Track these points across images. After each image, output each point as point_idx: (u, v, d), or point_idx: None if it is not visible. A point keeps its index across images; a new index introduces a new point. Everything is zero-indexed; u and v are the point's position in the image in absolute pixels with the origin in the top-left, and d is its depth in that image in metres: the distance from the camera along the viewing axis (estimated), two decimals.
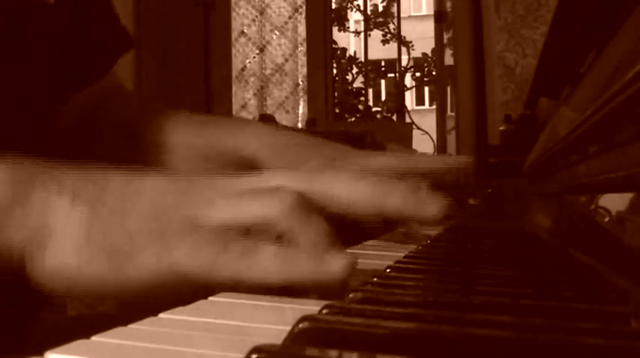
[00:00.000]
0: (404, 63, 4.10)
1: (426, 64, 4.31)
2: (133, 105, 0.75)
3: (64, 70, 0.61)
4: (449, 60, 2.88)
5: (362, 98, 4.03)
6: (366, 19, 4.10)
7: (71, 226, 0.33)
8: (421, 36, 4.36)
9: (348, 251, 0.53)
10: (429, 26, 3.07)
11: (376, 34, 4.28)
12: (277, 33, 3.16)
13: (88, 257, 0.33)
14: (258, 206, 0.33)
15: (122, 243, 0.32)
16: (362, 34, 4.07)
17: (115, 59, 0.71)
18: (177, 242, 0.32)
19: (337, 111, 3.69)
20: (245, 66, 3.14)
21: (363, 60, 4.11)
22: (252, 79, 3.15)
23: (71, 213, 0.33)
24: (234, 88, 3.06)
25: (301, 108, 3.15)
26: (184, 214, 0.33)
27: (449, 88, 2.99)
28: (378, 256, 0.50)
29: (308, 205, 0.34)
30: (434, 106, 3.55)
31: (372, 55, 4.17)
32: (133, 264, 0.32)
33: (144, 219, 0.33)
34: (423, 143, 3.32)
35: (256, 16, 3.15)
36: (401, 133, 2.94)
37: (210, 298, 0.32)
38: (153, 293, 0.33)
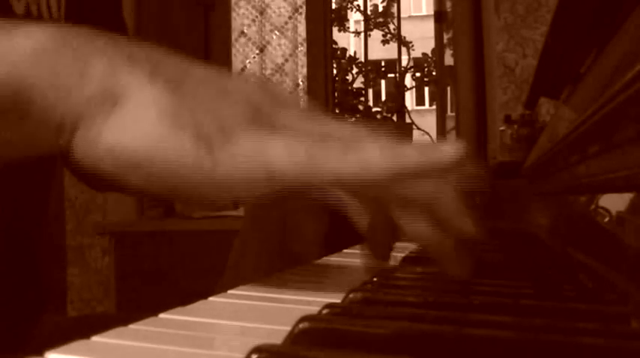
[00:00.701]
0: (404, 63, 4.11)
1: (426, 64, 4.31)
2: None
3: None
4: (449, 60, 2.88)
5: (362, 98, 4.03)
6: (366, 20, 4.11)
7: (150, 96, 0.27)
8: (421, 36, 4.36)
9: (348, 251, 0.53)
10: (429, 26, 3.07)
11: (376, 34, 4.28)
12: (277, 33, 3.16)
13: (171, 129, 0.27)
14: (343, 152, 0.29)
15: (214, 126, 0.27)
16: (362, 34, 4.07)
17: None
18: (275, 136, 0.28)
19: (337, 111, 3.69)
20: (245, 66, 3.14)
21: (363, 60, 4.11)
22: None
23: (149, 83, 0.28)
24: None
25: None
26: (281, 108, 0.29)
27: (449, 88, 2.99)
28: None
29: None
30: (434, 106, 3.55)
31: (372, 55, 4.17)
32: (225, 153, 0.27)
33: (239, 104, 0.28)
34: None
35: (256, 16, 3.15)
36: (401, 133, 2.94)
37: (210, 298, 0.32)
38: (236, 191, 0.28)
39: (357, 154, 0.28)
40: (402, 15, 4.10)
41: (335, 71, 3.70)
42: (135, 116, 0.27)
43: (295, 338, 0.23)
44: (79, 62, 0.28)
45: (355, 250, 0.53)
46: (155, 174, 0.27)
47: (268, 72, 3.16)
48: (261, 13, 3.16)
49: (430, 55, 4.05)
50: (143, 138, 0.27)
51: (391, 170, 0.28)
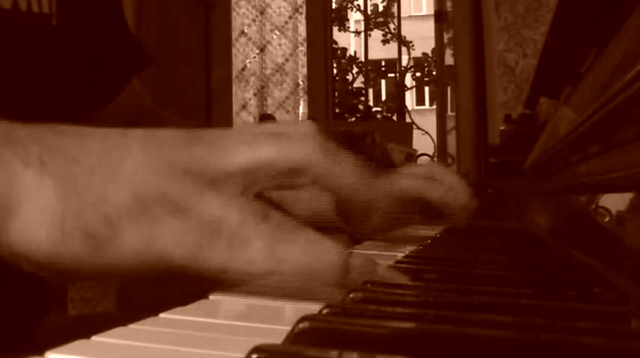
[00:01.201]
0: (404, 63, 4.10)
1: (426, 64, 4.31)
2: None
3: (76, 89, 0.60)
4: (449, 60, 2.88)
5: (362, 98, 4.03)
6: (367, 19, 4.10)
7: (41, 197, 0.28)
8: (421, 36, 4.36)
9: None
10: (429, 26, 3.07)
11: (376, 34, 4.27)
12: (277, 33, 3.16)
13: (61, 235, 0.28)
14: (285, 146, 0.30)
15: (101, 223, 0.28)
16: (362, 34, 4.06)
17: (129, 77, 0.70)
18: (164, 224, 0.28)
19: (337, 111, 3.69)
20: (245, 66, 3.14)
21: (363, 60, 4.10)
22: (252, 79, 3.15)
23: (41, 181, 0.28)
24: (234, 88, 3.06)
25: (301, 108, 3.15)
26: (182, 169, 0.29)
27: (449, 88, 2.99)
28: (378, 256, 0.50)
29: (337, 147, 0.31)
30: (434, 106, 3.55)
31: (373, 55, 4.16)
32: (114, 247, 0.28)
33: (128, 185, 0.28)
34: (423, 143, 3.32)
35: (256, 16, 3.15)
36: (401, 133, 2.94)
37: (210, 298, 0.32)
38: (136, 277, 0.30)
39: (242, 251, 0.29)
40: (402, 15, 4.10)
41: (335, 71, 3.70)
42: (30, 226, 0.28)
43: (295, 338, 0.23)
44: None
45: (354, 250, 0.53)
46: (60, 272, 0.29)
47: (268, 72, 3.16)
48: (262, 13, 3.16)
49: (430, 54, 4.05)
50: (39, 246, 0.28)
51: (270, 271, 0.29)
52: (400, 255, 0.51)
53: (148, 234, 0.28)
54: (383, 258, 0.49)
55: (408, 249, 0.55)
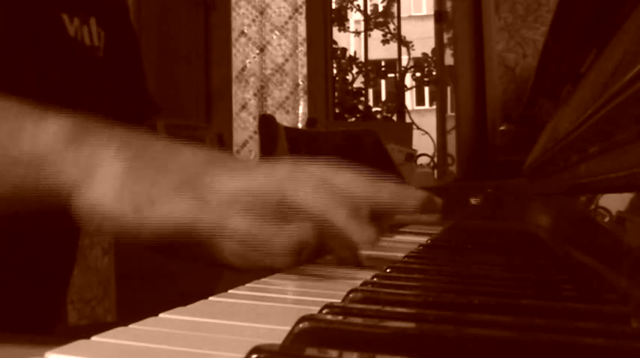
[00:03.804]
0: (404, 63, 4.10)
1: (426, 64, 4.31)
2: None
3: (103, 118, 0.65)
4: (449, 60, 2.88)
5: (362, 98, 4.03)
6: (366, 19, 4.10)
7: (112, 171, 0.41)
8: (421, 36, 4.36)
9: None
10: (429, 26, 3.07)
11: (376, 34, 4.27)
12: (277, 33, 3.16)
13: (119, 197, 0.41)
14: (272, 179, 0.41)
15: (149, 192, 0.41)
16: (362, 34, 4.06)
17: (143, 120, 0.75)
18: (190, 200, 0.40)
19: (337, 111, 3.69)
20: (245, 66, 3.13)
21: (363, 60, 4.10)
22: (252, 79, 3.15)
23: (114, 160, 0.42)
24: (234, 88, 3.06)
25: (301, 109, 3.15)
26: (205, 179, 0.41)
27: (449, 88, 2.99)
28: (377, 256, 0.50)
29: (331, 186, 0.41)
30: (434, 106, 3.55)
31: (372, 55, 4.16)
32: (153, 210, 0.40)
33: (172, 177, 0.41)
34: (423, 143, 3.32)
35: (256, 16, 3.15)
36: (401, 133, 2.93)
37: (210, 298, 0.32)
38: (163, 238, 0.41)
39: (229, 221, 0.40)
40: (402, 15, 4.10)
41: (335, 71, 3.70)
42: (99, 187, 0.41)
43: (295, 338, 0.23)
44: (77, 143, 0.42)
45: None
46: (113, 225, 0.41)
47: (268, 72, 3.16)
48: (262, 13, 3.16)
49: (430, 54, 4.05)
50: (103, 202, 0.41)
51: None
52: (400, 255, 0.51)
53: (178, 204, 0.40)
54: (383, 259, 0.49)
55: (408, 249, 0.55)
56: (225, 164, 0.43)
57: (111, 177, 0.41)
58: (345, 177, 0.44)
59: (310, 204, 0.40)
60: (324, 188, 0.41)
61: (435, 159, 3.14)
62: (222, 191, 0.41)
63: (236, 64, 3.08)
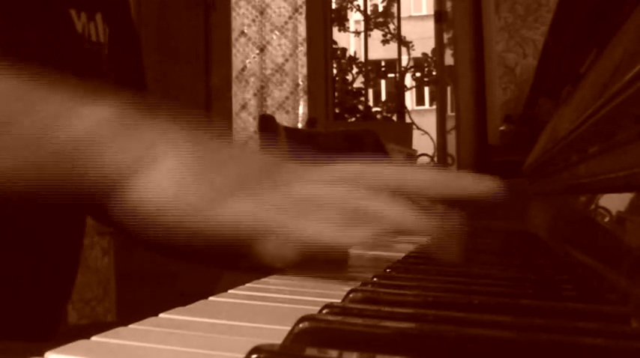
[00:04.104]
0: (404, 63, 4.10)
1: (426, 64, 4.31)
2: None
3: None
4: (449, 60, 2.88)
5: (362, 98, 4.03)
6: (366, 19, 4.10)
7: (177, 157, 0.38)
8: (421, 36, 4.36)
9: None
10: (429, 26, 3.07)
11: (376, 34, 4.27)
12: (277, 33, 3.16)
13: (186, 185, 0.38)
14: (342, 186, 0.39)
15: (209, 191, 0.38)
16: (362, 34, 4.06)
17: None
18: (262, 201, 0.38)
19: (337, 111, 3.69)
20: (245, 66, 3.14)
21: (363, 60, 4.10)
22: (252, 79, 3.15)
23: (179, 146, 0.39)
24: (234, 88, 3.06)
25: (301, 109, 3.15)
26: (274, 182, 0.39)
27: (449, 88, 2.99)
28: (378, 257, 0.50)
29: (387, 191, 0.39)
30: (434, 106, 3.55)
31: (372, 55, 4.16)
32: (222, 205, 0.38)
33: (242, 173, 0.39)
34: (423, 143, 3.32)
35: (256, 16, 3.15)
36: (401, 133, 2.93)
37: (210, 298, 0.32)
38: (228, 238, 0.38)
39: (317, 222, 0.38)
40: (402, 15, 4.09)
41: (335, 71, 3.70)
42: (159, 180, 0.38)
43: (295, 338, 0.23)
44: (131, 127, 0.40)
45: (354, 250, 0.53)
46: (171, 216, 0.38)
47: (268, 72, 3.16)
48: (262, 13, 3.16)
49: (430, 55, 4.05)
50: (164, 189, 0.38)
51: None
52: (400, 255, 0.51)
53: (250, 203, 0.38)
54: (383, 259, 0.49)
55: (408, 249, 0.55)
56: (286, 167, 0.41)
57: (169, 172, 0.38)
58: (415, 175, 0.41)
59: (384, 213, 0.38)
60: (395, 193, 0.39)
61: (435, 159, 3.14)
62: (286, 195, 0.39)
63: (236, 64, 3.08)
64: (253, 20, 3.14)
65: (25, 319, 0.58)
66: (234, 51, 3.06)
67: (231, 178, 0.39)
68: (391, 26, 4.29)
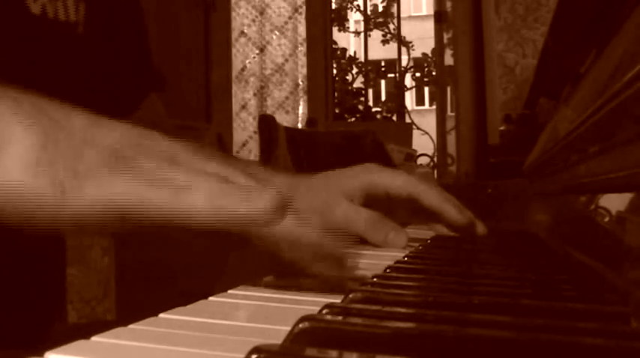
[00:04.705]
0: (404, 63, 4.10)
1: (426, 64, 4.30)
2: None
3: (94, 99, 0.61)
4: (449, 60, 2.88)
5: (362, 98, 4.03)
6: (366, 20, 4.10)
7: (23, 144, 0.33)
8: (421, 36, 4.36)
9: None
10: (429, 26, 3.07)
11: (376, 35, 4.27)
12: (277, 33, 3.16)
13: (32, 176, 0.33)
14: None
15: (69, 173, 0.33)
16: (362, 34, 4.06)
17: (144, 94, 0.71)
18: (117, 177, 0.33)
19: (337, 111, 3.69)
20: (245, 66, 3.13)
21: (363, 60, 4.10)
22: (252, 79, 3.14)
23: (25, 132, 0.34)
24: (234, 88, 3.06)
25: (301, 109, 3.15)
26: (142, 153, 0.34)
27: (449, 88, 2.99)
28: (377, 256, 0.50)
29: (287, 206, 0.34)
30: (434, 106, 3.55)
31: (372, 55, 4.16)
32: (75, 193, 0.33)
33: (98, 152, 0.34)
34: (423, 143, 3.32)
35: (256, 16, 3.15)
36: (401, 133, 2.93)
37: (210, 298, 0.32)
38: (90, 225, 0.34)
39: (186, 193, 0.32)
40: (402, 15, 4.09)
41: (335, 71, 3.70)
42: (8, 163, 0.33)
43: (295, 338, 0.23)
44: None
45: (355, 250, 0.53)
46: (24, 208, 0.34)
47: (268, 72, 3.15)
48: (261, 13, 3.16)
49: (430, 55, 4.05)
50: (9, 180, 0.33)
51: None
52: (400, 255, 0.51)
53: (104, 183, 0.33)
54: (383, 259, 0.49)
55: (408, 249, 0.55)
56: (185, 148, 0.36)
57: (23, 151, 0.33)
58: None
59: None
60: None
61: (435, 159, 3.14)
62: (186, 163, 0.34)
63: (236, 64, 3.08)
64: (253, 20, 3.14)
65: (11, 331, 0.56)
66: (234, 51, 3.06)
67: (99, 153, 0.34)
68: (391, 26, 4.28)
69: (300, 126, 3.08)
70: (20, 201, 0.33)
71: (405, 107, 4.03)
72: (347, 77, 4.07)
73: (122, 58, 0.67)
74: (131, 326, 0.25)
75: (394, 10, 4.17)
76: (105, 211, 0.33)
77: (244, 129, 3.10)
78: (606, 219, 0.40)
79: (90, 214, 0.33)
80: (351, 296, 0.30)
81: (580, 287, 0.35)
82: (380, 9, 4.39)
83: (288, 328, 0.23)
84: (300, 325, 0.23)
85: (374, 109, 4.13)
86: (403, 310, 0.27)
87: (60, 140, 0.34)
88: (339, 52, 4.08)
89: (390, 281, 0.37)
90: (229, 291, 0.34)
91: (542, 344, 0.21)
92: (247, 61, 3.13)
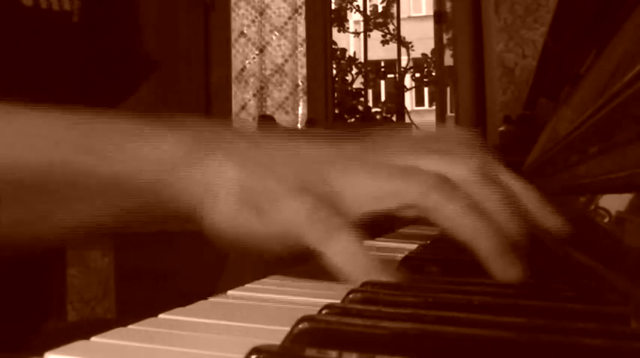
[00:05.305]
0: (403, 63, 4.10)
1: (425, 65, 4.30)
2: None
3: (88, 87, 0.60)
4: (449, 60, 2.88)
5: (361, 99, 4.03)
6: (366, 20, 4.10)
7: (225, 185, 0.37)
8: (421, 36, 4.36)
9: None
10: (429, 27, 3.07)
11: (376, 35, 4.27)
12: (277, 33, 3.16)
13: (237, 210, 0.37)
14: (399, 184, 0.37)
15: (264, 198, 0.36)
16: (362, 35, 4.06)
17: (138, 82, 0.71)
18: (297, 205, 0.36)
19: (337, 112, 3.69)
20: (245, 66, 3.13)
21: (362, 60, 4.10)
22: (251, 80, 3.14)
23: (224, 173, 0.37)
24: (233, 89, 3.06)
25: (301, 109, 3.15)
26: (322, 180, 0.37)
27: (449, 89, 2.99)
28: (378, 257, 0.50)
29: (449, 184, 0.37)
30: (434, 107, 3.55)
31: (372, 56, 4.16)
32: (268, 218, 0.36)
33: (290, 171, 0.37)
34: None
35: (256, 17, 3.15)
36: None
37: (210, 298, 0.32)
38: (280, 245, 0.37)
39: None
40: (402, 15, 4.09)
41: (334, 72, 3.70)
42: (223, 202, 0.37)
43: (295, 338, 0.23)
44: (196, 159, 0.37)
45: None
46: (238, 239, 0.37)
47: (268, 72, 3.15)
48: (261, 14, 3.16)
49: (430, 55, 4.05)
50: (226, 218, 0.37)
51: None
52: (400, 255, 0.51)
53: (289, 209, 0.36)
54: (383, 259, 0.49)
55: (408, 249, 0.55)
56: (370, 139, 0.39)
57: (227, 192, 0.37)
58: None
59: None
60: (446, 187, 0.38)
61: None
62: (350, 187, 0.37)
63: (235, 65, 3.08)
64: (253, 21, 3.14)
65: (10, 331, 0.56)
66: (233, 51, 3.06)
67: (289, 173, 0.37)
68: (391, 27, 4.29)
69: (299, 126, 3.08)
70: (234, 234, 0.37)
71: (405, 107, 4.04)
72: (347, 77, 4.07)
73: (116, 47, 0.66)
74: (131, 326, 0.25)
75: (394, 10, 4.17)
76: (287, 234, 0.36)
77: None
78: (606, 220, 0.40)
79: (277, 235, 0.37)
80: (351, 296, 0.30)
81: (580, 287, 0.35)
82: (380, 9, 4.39)
83: (288, 328, 0.23)
84: (300, 325, 0.23)
85: (374, 110, 4.13)
86: (403, 310, 0.27)
87: (253, 164, 0.37)
88: (338, 53, 4.08)
89: (390, 281, 0.37)
90: (229, 292, 0.34)
91: (541, 345, 0.21)
92: (247, 62, 3.13)
